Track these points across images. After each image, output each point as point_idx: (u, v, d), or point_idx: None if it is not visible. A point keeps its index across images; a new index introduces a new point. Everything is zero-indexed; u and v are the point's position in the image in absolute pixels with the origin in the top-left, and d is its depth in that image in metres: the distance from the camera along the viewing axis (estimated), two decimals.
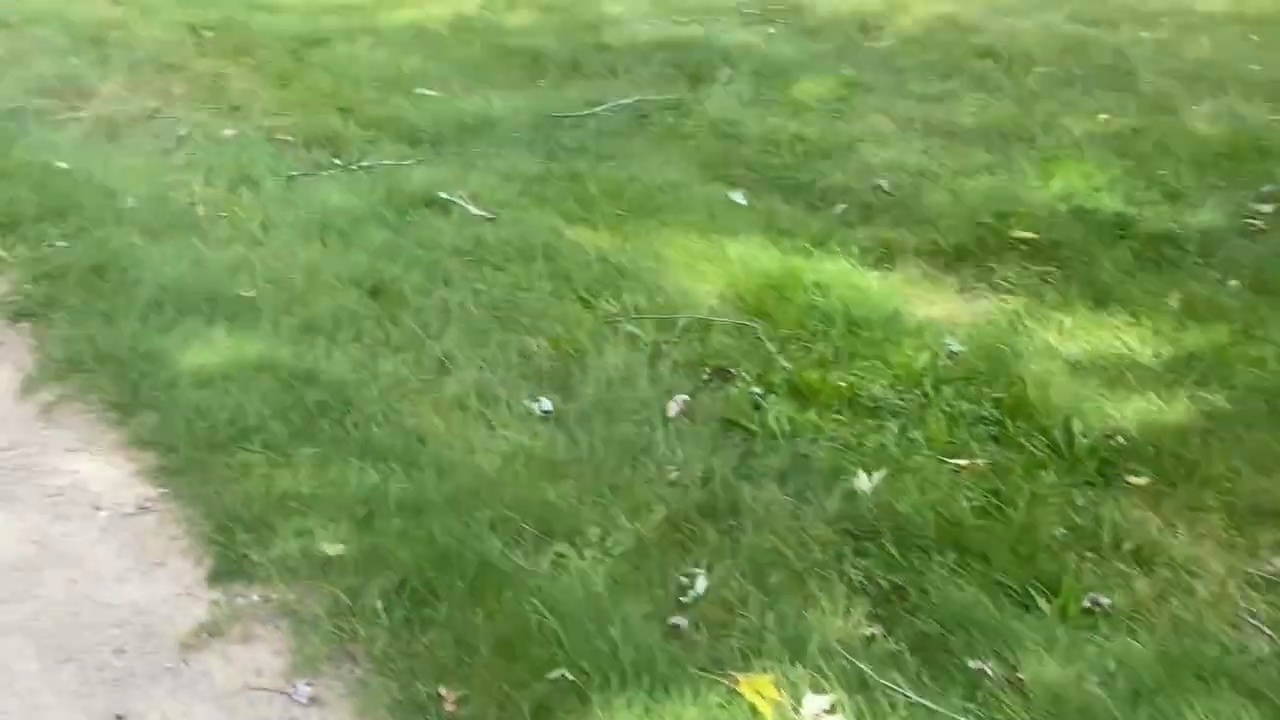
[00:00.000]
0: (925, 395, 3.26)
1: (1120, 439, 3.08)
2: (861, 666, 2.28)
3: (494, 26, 6.55)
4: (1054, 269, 3.99)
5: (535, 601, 2.41)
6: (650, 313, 3.67)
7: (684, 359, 3.47)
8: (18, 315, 3.71)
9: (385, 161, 4.78)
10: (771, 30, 6.36)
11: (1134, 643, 2.39)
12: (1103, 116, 5.29)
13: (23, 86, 5.62)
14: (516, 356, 3.45)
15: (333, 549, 2.64)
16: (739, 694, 2.21)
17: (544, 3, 6.92)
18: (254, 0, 6.99)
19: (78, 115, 5.33)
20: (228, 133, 5.12)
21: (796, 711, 2.20)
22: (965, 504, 2.80)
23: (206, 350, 3.44)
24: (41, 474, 3.02)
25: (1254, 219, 4.35)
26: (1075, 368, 3.43)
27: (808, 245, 4.05)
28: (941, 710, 2.20)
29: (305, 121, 5.23)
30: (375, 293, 3.79)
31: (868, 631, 2.42)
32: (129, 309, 3.64)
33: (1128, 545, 2.69)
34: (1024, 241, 4.14)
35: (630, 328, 3.59)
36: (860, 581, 2.56)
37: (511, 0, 6.97)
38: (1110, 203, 4.43)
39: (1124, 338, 3.59)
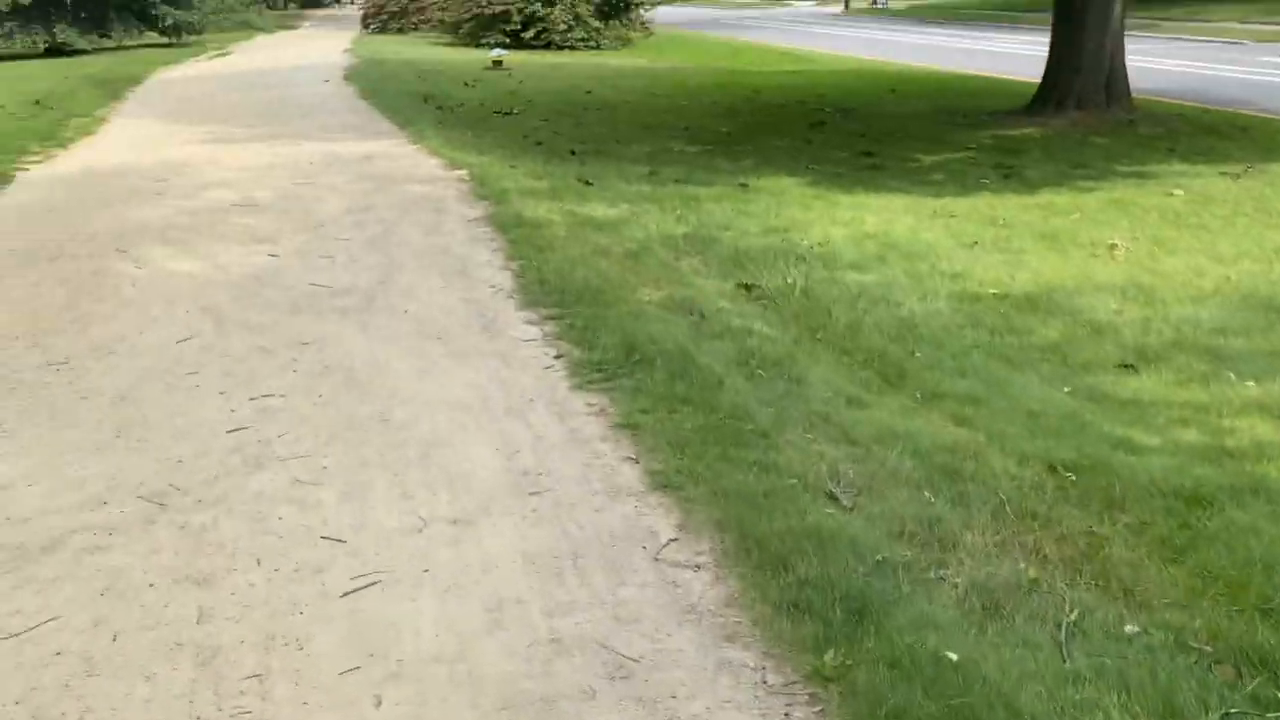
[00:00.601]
0: None
1: None
2: None
3: None
4: None
5: None
6: None
7: None
8: None
9: None
10: None
11: None
12: None
13: (884, 528, 5.28)
14: None
15: None
16: None
17: None
18: (1111, 434, 6.39)
19: (945, 574, 4.89)
20: (1128, 629, 4.42)
21: None
22: None
23: None
24: None
25: None
26: None
27: None
28: None
29: (1220, 625, 4.41)
30: None
31: None
32: None
33: None
34: None
35: None
36: None
37: None
38: None
39: None
